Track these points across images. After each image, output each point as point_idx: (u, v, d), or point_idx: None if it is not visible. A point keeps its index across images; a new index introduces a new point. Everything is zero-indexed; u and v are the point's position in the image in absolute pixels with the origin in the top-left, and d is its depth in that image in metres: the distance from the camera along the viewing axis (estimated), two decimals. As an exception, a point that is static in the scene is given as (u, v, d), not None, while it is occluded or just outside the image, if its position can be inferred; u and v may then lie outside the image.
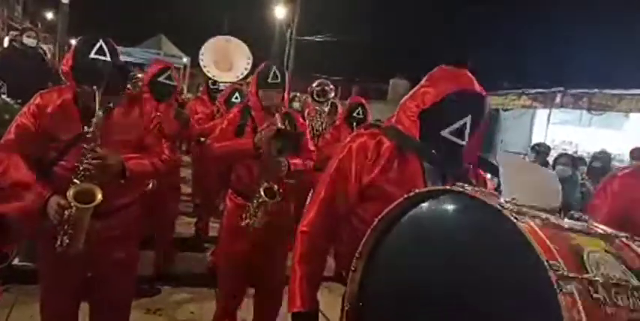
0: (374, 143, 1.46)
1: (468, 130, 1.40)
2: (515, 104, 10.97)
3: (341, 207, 1.49)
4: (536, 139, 10.09)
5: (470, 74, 1.45)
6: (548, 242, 0.87)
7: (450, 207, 1.13)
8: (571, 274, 0.81)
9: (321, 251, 1.52)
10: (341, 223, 1.53)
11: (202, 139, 4.18)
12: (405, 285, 1.19)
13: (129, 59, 12.67)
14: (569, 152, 7.84)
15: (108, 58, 1.88)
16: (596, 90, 9.22)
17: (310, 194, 4.54)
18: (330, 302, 1.56)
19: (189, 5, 28.54)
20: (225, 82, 5.22)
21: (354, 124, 4.17)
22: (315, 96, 4.82)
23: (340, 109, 4.78)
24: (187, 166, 5.67)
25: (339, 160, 1.51)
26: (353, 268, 1.29)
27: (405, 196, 1.19)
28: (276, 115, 2.50)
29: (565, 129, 10.67)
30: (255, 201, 2.44)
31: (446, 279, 1.06)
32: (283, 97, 2.64)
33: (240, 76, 5.43)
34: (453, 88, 1.39)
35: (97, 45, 1.87)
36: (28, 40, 4.93)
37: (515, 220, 0.91)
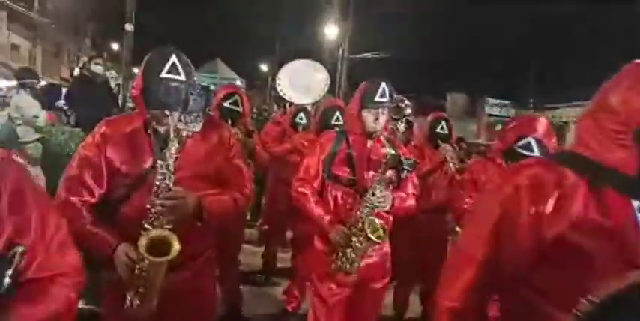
0: (554, 178, 1.01)
1: None
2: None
3: (505, 273, 1.04)
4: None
5: None
6: None
7: None
8: None
9: None
10: (501, 294, 1.10)
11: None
12: None
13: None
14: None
15: (182, 77, 1.57)
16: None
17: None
18: None
19: (241, 29, 29.79)
20: (304, 104, 5.00)
21: (438, 140, 3.74)
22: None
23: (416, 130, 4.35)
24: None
25: (498, 204, 1.03)
26: None
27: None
28: (383, 140, 2.15)
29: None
30: (354, 239, 2.01)
31: None
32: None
33: (318, 98, 5.25)
34: None
35: (170, 62, 1.56)
36: (96, 68, 4.94)
37: None
